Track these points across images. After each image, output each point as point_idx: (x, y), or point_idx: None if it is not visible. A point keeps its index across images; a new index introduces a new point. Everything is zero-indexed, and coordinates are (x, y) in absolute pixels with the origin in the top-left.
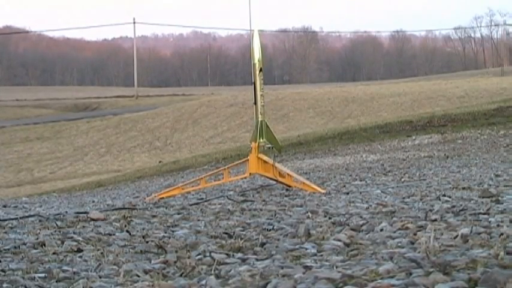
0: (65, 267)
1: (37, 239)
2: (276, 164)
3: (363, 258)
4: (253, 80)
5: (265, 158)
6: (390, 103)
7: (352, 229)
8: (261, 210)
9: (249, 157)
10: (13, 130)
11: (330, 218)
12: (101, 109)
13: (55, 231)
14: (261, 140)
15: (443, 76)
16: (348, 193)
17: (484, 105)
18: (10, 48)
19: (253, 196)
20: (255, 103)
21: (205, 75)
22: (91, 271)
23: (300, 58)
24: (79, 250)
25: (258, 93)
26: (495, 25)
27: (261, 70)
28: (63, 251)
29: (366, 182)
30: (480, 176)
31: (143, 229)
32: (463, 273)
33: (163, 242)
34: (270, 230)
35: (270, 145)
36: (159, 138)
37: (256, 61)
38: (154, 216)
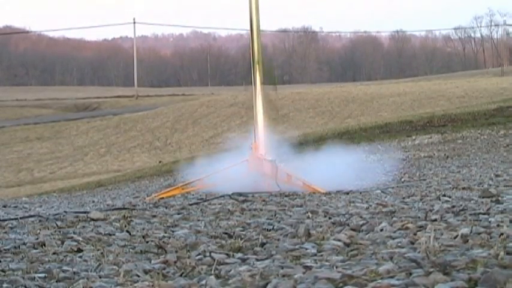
0: (65, 267)
1: (37, 239)
2: (278, 164)
3: (363, 258)
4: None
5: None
6: (390, 103)
7: (352, 229)
8: (261, 210)
9: (248, 157)
10: (13, 130)
11: (330, 218)
12: (101, 109)
13: (55, 231)
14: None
15: (443, 76)
16: (347, 193)
17: (484, 105)
18: (10, 48)
19: (253, 196)
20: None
21: (205, 75)
22: (91, 271)
23: (300, 58)
24: (79, 250)
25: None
26: (495, 25)
27: None
28: (63, 251)
29: (366, 182)
30: (480, 176)
31: (143, 229)
32: (463, 273)
33: (163, 242)
34: (270, 230)
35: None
36: (159, 138)
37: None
38: (154, 216)
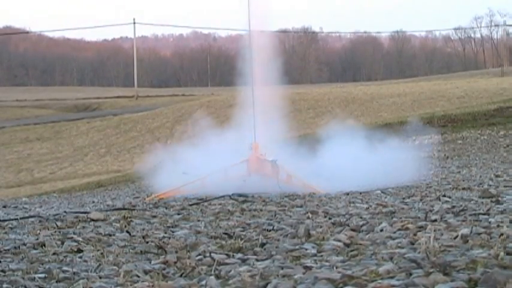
0: (65, 268)
1: (37, 239)
2: (278, 164)
3: (363, 258)
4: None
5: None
6: (390, 103)
7: (352, 229)
8: (261, 210)
9: (248, 157)
10: (13, 130)
11: (330, 219)
12: (101, 109)
13: (55, 231)
14: None
15: (443, 76)
16: (348, 193)
17: (484, 106)
18: (10, 49)
19: (253, 196)
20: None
21: (205, 75)
22: (91, 271)
23: (300, 58)
24: (79, 250)
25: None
26: (495, 25)
27: None
28: (63, 251)
29: (366, 182)
30: (480, 176)
31: (143, 229)
32: (463, 274)
33: (163, 242)
34: (270, 230)
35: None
36: (159, 138)
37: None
38: (154, 217)
